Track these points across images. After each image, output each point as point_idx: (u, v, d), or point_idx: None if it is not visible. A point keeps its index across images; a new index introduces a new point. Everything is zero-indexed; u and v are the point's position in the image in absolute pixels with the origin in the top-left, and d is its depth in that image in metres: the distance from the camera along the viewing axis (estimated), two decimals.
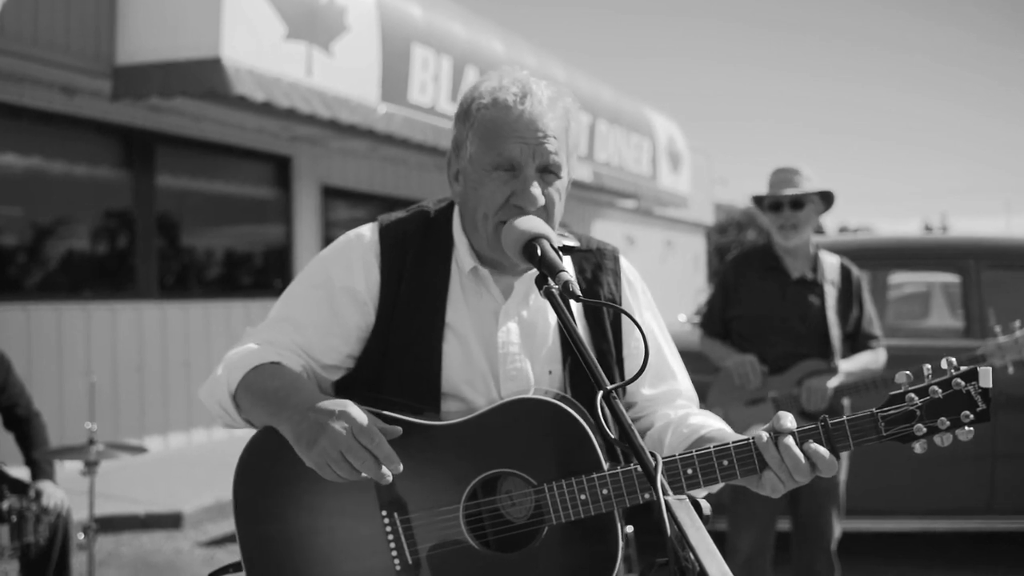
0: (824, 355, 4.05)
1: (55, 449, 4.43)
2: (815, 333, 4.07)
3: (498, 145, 1.81)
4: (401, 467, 1.62)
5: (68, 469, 6.52)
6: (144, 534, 6.77)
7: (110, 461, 4.64)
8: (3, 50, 7.11)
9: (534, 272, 1.89)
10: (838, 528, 4.16)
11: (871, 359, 4.16)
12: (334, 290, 1.91)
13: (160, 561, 6.17)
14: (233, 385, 1.81)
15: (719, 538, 2.61)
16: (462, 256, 1.93)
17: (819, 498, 4.08)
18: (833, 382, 3.95)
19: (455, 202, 1.97)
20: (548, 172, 1.84)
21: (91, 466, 4.27)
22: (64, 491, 4.31)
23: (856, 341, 4.21)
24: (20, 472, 4.43)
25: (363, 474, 1.60)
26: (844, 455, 4.09)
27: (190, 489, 7.45)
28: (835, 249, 4.80)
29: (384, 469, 1.61)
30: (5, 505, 4.01)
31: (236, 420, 1.83)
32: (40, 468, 4.33)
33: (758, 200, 4.24)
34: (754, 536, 4.11)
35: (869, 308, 4.25)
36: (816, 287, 4.13)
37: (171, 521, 6.93)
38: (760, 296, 4.16)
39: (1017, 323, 3.85)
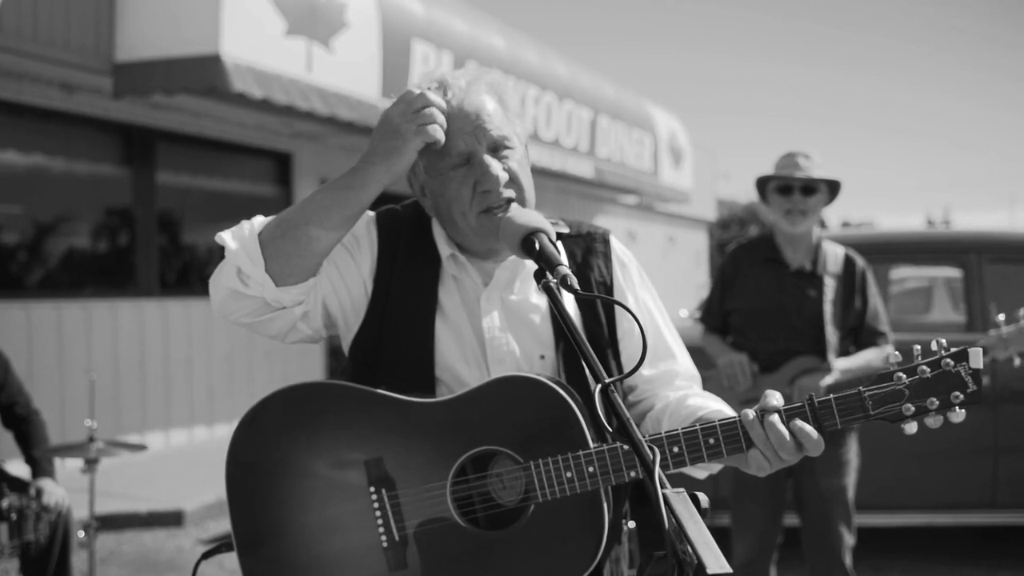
0: (819, 351, 3.89)
1: (55, 447, 4.43)
2: (812, 327, 3.91)
3: (443, 147, 1.85)
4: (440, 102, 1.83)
5: (68, 467, 6.52)
6: (146, 532, 6.77)
7: (111, 459, 4.64)
8: (2, 47, 7.10)
9: (515, 258, 1.90)
10: (850, 537, 3.96)
11: (875, 356, 3.97)
12: (344, 245, 1.94)
13: (162, 559, 6.17)
14: (257, 227, 1.84)
15: (720, 534, 2.60)
16: (441, 245, 1.96)
17: (825, 505, 3.93)
18: (826, 381, 3.79)
19: (431, 216, 1.99)
20: (499, 148, 1.88)
21: (91, 463, 4.27)
22: (64, 489, 4.30)
23: (860, 336, 4.03)
24: (20, 470, 4.43)
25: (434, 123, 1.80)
26: (853, 464, 4.01)
27: (192, 487, 7.45)
28: (837, 243, 4.73)
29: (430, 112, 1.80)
30: (5, 503, 4.00)
31: (251, 263, 1.80)
32: (40, 466, 4.33)
33: (763, 182, 4.06)
34: (751, 543, 4.01)
35: (875, 302, 4.04)
36: (815, 279, 3.97)
37: (173, 519, 6.93)
38: (757, 288, 4.03)
39: (1021, 312, 3.57)
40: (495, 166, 1.85)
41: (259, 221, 1.87)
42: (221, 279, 1.84)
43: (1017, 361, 3.54)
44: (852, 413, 1.66)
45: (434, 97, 1.81)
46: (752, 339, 4.01)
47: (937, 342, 1.65)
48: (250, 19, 7.52)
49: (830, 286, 3.97)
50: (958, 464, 5.57)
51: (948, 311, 7.98)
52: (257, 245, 1.81)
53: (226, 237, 1.84)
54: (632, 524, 1.97)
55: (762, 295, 4.01)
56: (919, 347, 1.66)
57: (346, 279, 1.92)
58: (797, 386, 3.82)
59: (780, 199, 3.97)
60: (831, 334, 3.92)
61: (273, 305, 1.85)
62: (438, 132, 1.80)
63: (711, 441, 1.67)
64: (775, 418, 1.65)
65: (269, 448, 1.79)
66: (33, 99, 8.06)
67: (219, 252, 1.87)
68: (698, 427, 1.68)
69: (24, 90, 7.96)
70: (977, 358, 1.62)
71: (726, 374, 3.94)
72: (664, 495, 1.33)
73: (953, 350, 1.64)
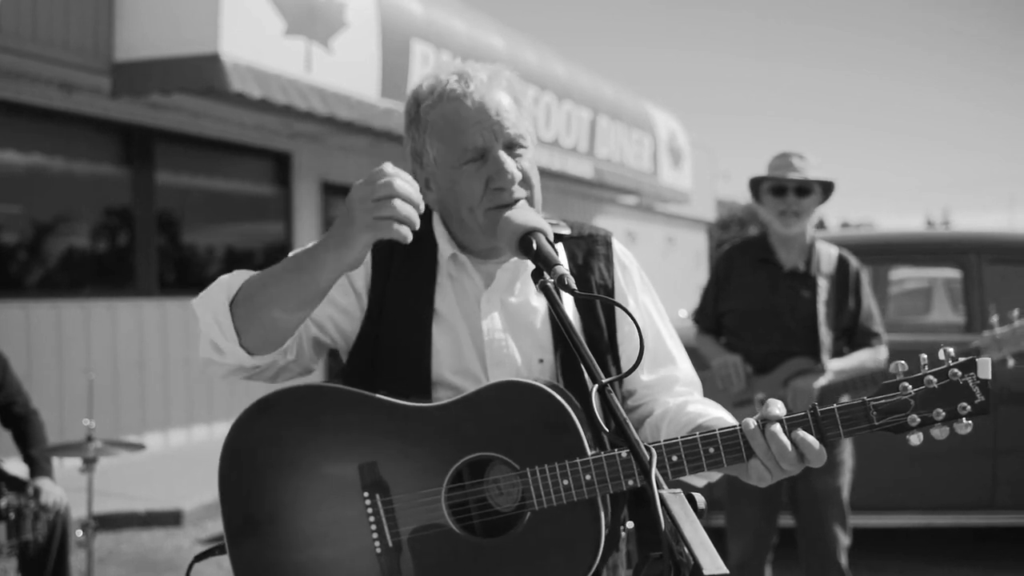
0: (813, 352, 3.87)
1: (53, 446, 4.42)
2: (805, 328, 3.89)
3: (459, 139, 1.82)
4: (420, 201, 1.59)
5: (67, 466, 6.52)
6: (144, 531, 6.77)
7: (110, 458, 4.64)
8: (2, 47, 7.10)
9: (517, 260, 1.88)
10: (845, 537, 3.96)
11: (869, 357, 3.95)
12: None
13: (160, 559, 6.17)
14: (233, 291, 1.76)
15: (716, 534, 2.60)
16: (442, 245, 1.93)
17: (820, 506, 3.92)
18: (820, 382, 3.77)
19: (433, 209, 1.97)
20: (513, 146, 1.85)
21: (89, 463, 4.27)
22: (62, 488, 4.30)
23: (854, 337, 4.02)
24: (18, 469, 4.42)
25: (404, 211, 1.55)
26: (848, 465, 4.01)
27: (191, 486, 7.45)
28: (836, 244, 4.72)
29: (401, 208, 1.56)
30: (3, 502, 4.00)
31: (225, 339, 1.75)
32: (38, 465, 4.33)
33: (756, 183, 4.04)
34: (745, 543, 4.00)
35: (868, 303, 4.03)
36: (809, 280, 3.95)
37: (171, 519, 6.93)
38: (750, 289, 4.01)
39: (1015, 313, 3.61)
40: (510, 163, 1.82)
41: (232, 287, 1.78)
42: (201, 342, 1.82)
43: (1011, 362, 3.56)
44: (856, 424, 1.62)
45: (404, 185, 1.57)
46: (746, 340, 3.99)
47: (944, 351, 1.61)
48: (249, 19, 7.53)
49: (824, 287, 3.95)
50: (957, 465, 5.57)
51: (947, 312, 7.98)
52: (230, 320, 1.75)
53: (199, 310, 1.80)
54: (631, 524, 1.95)
55: (756, 296, 3.99)
56: (926, 356, 1.61)
57: (340, 305, 1.90)
58: (791, 387, 3.80)
59: (774, 200, 3.95)
60: (825, 335, 3.90)
61: (252, 370, 1.83)
62: (398, 231, 1.56)
63: (711, 450, 1.65)
64: (777, 428, 1.62)
65: (263, 449, 1.78)
66: (32, 99, 8.06)
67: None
68: (698, 436, 1.66)
69: (23, 90, 7.96)
70: (986, 368, 1.57)
71: (720, 375, 3.92)
72: (661, 496, 1.32)
73: (961, 360, 1.60)
